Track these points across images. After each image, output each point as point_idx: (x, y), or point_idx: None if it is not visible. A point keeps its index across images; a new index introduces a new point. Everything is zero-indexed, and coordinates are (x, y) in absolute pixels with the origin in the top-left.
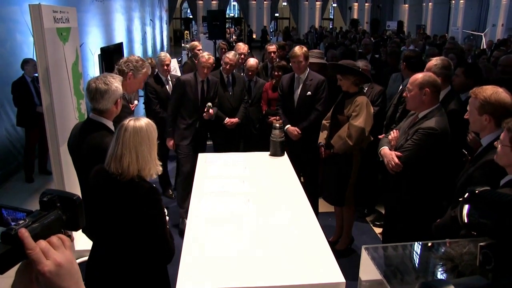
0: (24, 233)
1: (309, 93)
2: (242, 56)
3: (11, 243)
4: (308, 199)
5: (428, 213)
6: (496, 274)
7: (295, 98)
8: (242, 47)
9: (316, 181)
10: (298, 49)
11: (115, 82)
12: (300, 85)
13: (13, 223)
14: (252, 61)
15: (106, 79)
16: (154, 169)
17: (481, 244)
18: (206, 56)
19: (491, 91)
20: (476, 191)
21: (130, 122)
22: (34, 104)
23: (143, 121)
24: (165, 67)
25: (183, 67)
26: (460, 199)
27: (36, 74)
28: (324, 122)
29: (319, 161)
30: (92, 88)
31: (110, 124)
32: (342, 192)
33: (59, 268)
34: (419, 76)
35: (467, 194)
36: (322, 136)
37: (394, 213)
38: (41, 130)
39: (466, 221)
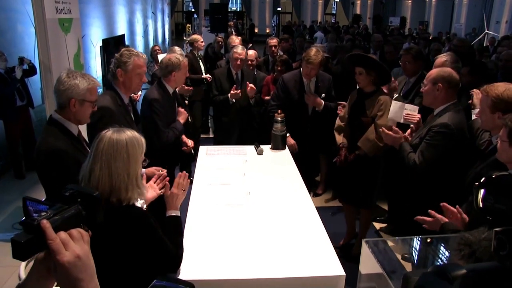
0: (46, 224)
1: (323, 95)
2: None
3: (33, 232)
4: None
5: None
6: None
7: (309, 104)
8: (234, 39)
9: (311, 166)
10: (315, 55)
11: (78, 80)
12: (312, 89)
13: (35, 215)
14: (251, 51)
15: (73, 73)
16: (135, 192)
17: (496, 229)
18: (182, 58)
19: (504, 88)
20: (493, 176)
21: (108, 132)
22: (14, 97)
23: (126, 134)
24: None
25: None
26: (474, 186)
27: (9, 66)
28: (340, 123)
29: (317, 153)
30: (57, 79)
31: (69, 126)
32: (369, 194)
33: (77, 259)
34: (434, 71)
35: (483, 179)
36: (340, 138)
37: (404, 210)
38: (23, 126)
39: (481, 205)
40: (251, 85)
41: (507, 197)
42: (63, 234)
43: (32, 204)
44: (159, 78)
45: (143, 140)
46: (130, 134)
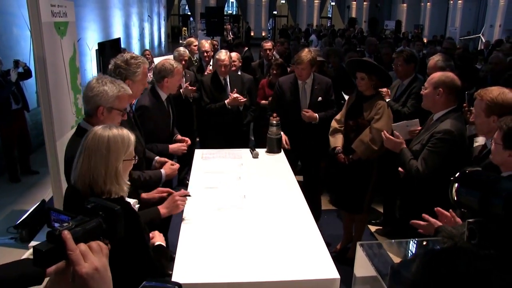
0: (67, 235)
1: (320, 98)
2: (205, 54)
3: (55, 242)
4: (309, 196)
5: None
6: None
7: (302, 106)
8: (204, 43)
9: (317, 178)
10: (304, 55)
11: (107, 86)
12: (308, 92)
13: (56, 224)
14: (233, 53)
15: (102, 79)
16: (113, 186)
17: (469, 220)
18: (176, 65)
19: (498, 92)
20: (467, 171)
21: (95, 128)
22: (9, 100)
23: (111, 131)
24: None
25: None
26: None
27: (4, 69)
28: (336, 126)
29: (319, 160)
30: (86, 84)
31: None
32: (362, 199)
33: (95, 272)
34: (436, 74)
35: (458, 174)
36: (335, 141)
37: (400, 213)
38: (19, 129)
39: (455, 198)
40: (236, 94)
41: (475, 191)
42: (83, 246)
43: (55, 214)
44: (153, 84)
45: (130, 137)
46: (115, 131)
